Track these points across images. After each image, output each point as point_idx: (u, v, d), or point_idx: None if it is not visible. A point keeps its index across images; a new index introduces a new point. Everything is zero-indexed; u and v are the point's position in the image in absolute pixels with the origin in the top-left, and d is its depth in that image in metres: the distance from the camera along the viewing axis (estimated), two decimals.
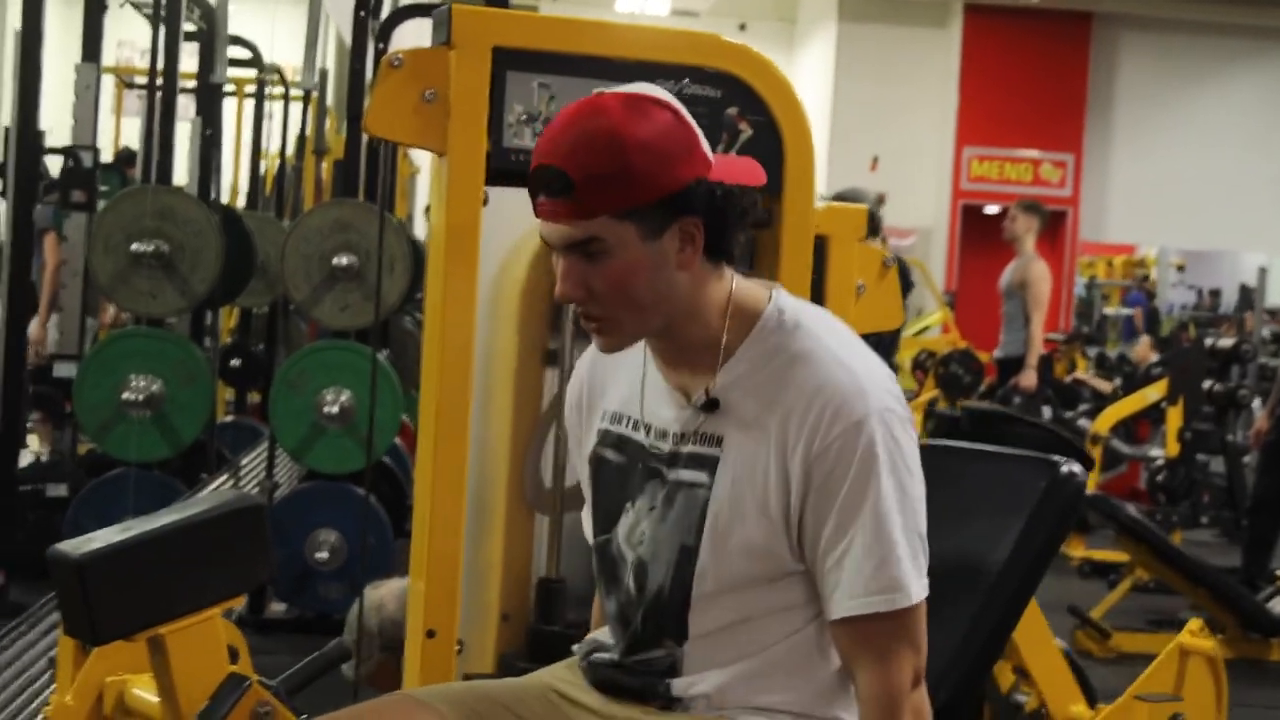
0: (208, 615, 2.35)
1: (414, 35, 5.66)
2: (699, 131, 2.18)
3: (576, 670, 2.43)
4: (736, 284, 2.26)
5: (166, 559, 2.37)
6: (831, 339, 2.24)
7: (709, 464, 2.23)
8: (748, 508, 2.20)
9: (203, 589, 2.36)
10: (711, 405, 2.23)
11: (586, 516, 2.47)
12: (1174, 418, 10.83)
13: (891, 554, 2.15)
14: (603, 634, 2.41)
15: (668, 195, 2.14)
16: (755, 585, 2.23)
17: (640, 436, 2.33)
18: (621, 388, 2.40)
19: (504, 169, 2.78)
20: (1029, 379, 9.56)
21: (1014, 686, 4.17)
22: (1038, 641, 4.08)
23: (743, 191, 2.22)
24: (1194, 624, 4.03)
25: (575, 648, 2.47)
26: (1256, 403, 10.32)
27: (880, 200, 9.39)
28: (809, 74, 17.21)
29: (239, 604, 2.40)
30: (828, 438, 2.14)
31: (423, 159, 10.77)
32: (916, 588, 2.18)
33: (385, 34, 7.32)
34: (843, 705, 2.26)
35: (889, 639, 2.19)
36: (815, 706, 2.27)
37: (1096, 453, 10.18)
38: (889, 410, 2.16)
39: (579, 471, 2.50)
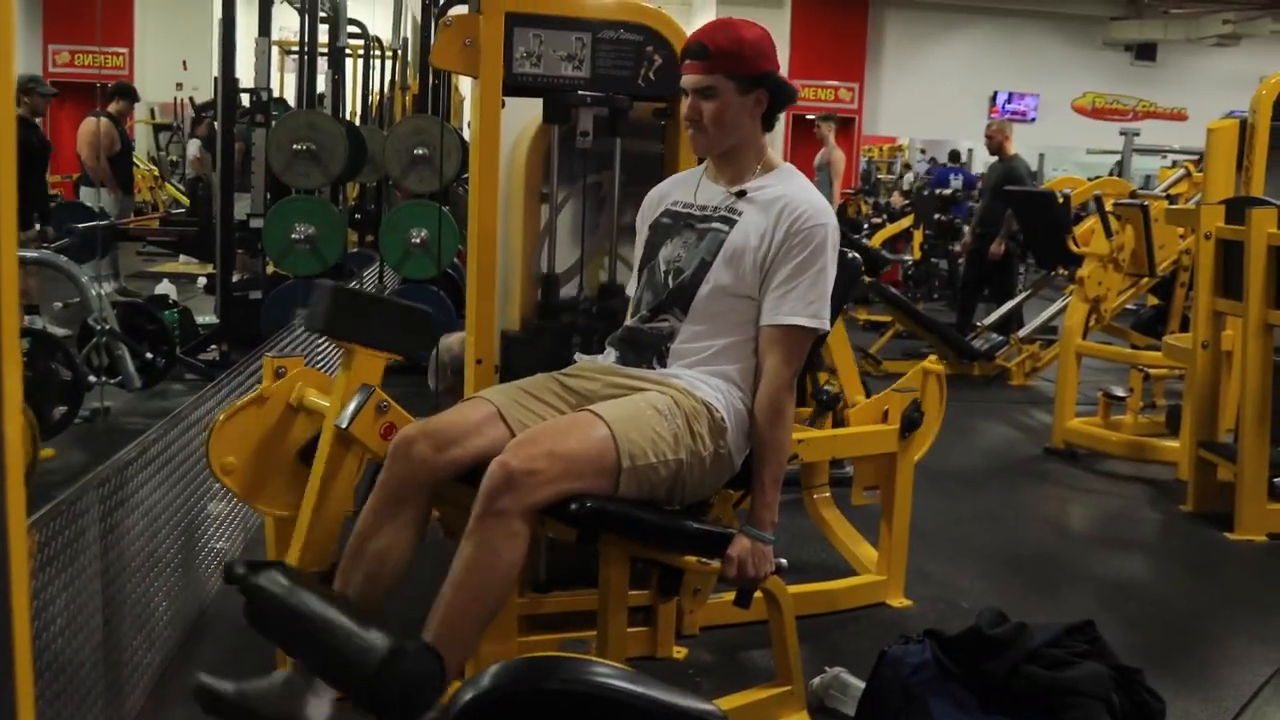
0: (379, 355, 2.40)
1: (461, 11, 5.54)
2: (776, 48, 2.38)
3: (572, 372, 2.47)
4: (770, 148, 2.48)
5: (374, 311, 2.44)
6: (814, 187, 2.43)
7: (730, 222, 2.37)
8: (746, 248, 2.32)
9: (384, 339, 2.40)
10: (741, 194, 2.39)
11: (633, 278, 2.59)
12: (918, 237, 10.94)
13: (821, 299, 2.30)
14: (631, 322, 2.49)
15: (756, 73, 2.33)
16: (735, 296, 2.34)
17: (688, 210, 2.46)
18: (683, 192, 2.52)
19: (514, 85, 2.74)
20: None
21: (826, 380, 4.23)
22: (842, 355, 4.15)
23: (790, 89, 2.39)
24: (932, 357, 4.12)
25: (608, 340, 2.55)
26: (965, 229, 10.38)
27: None
28: None
29: (399, 359, 2.44)
30: (803, 227, 2.30)
31: (465, 89, 10.58)
32: (826, 322, 2.33)
33: (443, 12, 7.17)
34: (749, 387, 2.36)
35: (796, 346, 2.31)
36: (741, 380, 2.36)
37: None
38: (836, 229, 2.35)
39: (638, 244, 2.59)
